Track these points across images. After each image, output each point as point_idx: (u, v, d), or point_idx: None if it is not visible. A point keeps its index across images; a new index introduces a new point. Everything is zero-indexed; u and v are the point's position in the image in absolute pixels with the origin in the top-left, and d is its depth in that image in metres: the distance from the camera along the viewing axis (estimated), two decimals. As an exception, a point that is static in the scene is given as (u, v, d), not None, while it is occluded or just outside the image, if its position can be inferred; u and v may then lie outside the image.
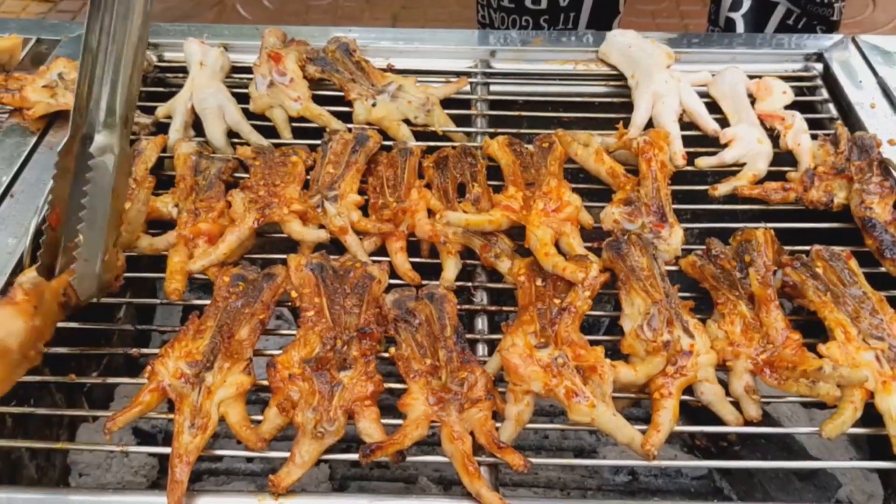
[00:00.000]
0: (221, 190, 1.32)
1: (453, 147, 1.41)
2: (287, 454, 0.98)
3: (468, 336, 1.13)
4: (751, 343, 1.09)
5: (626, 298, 1.14)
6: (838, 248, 1.21)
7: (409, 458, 1.02)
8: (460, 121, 1.51)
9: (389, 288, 1.19)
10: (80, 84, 1.08)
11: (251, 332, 1.11)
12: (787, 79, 1.57)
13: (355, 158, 1.35)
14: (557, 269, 1.15)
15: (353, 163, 1.34)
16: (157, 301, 1.32)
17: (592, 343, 1.08)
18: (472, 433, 1.00)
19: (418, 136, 1.47)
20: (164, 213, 1.28)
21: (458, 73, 1.61)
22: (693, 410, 1.08)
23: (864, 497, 1.33)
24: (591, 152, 1.37)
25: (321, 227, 1.28)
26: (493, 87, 1.61)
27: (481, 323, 1.19)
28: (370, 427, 1.00)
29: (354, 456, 0.98)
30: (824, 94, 1.59)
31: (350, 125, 1.46)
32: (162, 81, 1.62)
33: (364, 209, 1.30)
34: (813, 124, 1.47)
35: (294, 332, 1.12)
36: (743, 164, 1.40)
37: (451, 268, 1.24)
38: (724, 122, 1.48)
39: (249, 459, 1.43)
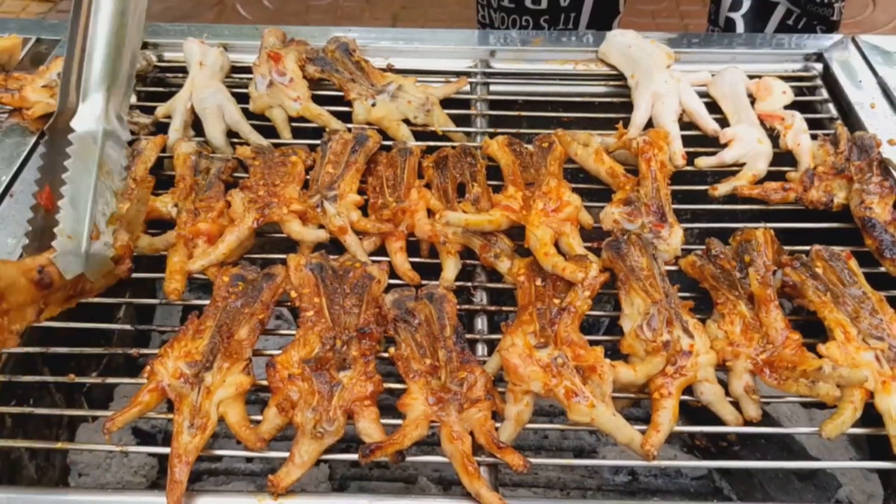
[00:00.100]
0: (221, 190, 1.31)
1: (453, 147, 1.41)
2: (286, 454, 0.98)
3: (468, 336, 1.13)
4: (750, 343, 1.09)
5: (625, 298, 1.14)
6: (838, 248, 1.21)
7: (409, 458, 1.02)
8: (460, 121, 1.51)
9: (389, 288, 1.19)
10: (67, 60, 1.08)
11: (251, 332, 1.11)
12: (786, 79, 1.57)
13: (355, 158, 1.34)
14: (557, 269, 1.15)
15: (352, 163, 1.34)
16: (157, 301, 1.32)
17: (592, 343, 1.08)
18: (471, 433, 1.00)
19: (418, 135, 1.47)
20: (163, 212, 1.28)
21: (457, 73, 1.61)
22: (693, 410, 1.08)
23: (863, 497, 1.33)
24: (591, 152, 1.37)
25: (321, 226, 1.28)
26: (492, 87, 1.61)
27: (481, 323, 1.19)
28: (370, 427, 1.00)
29: (354, 456, 0.98)
30: (824, 94, 1.59)
31: (350, 125, 1.46)
32: (162, 81, 1.61)
33: (364, 209, 1.30)
34: (813, 124, 1.47)
35: (293, 332, 1.12)
36: (743, 164, 1.40)
37: (450, 268, 1.23)
38: (723, 122, 1.48)
39: (249, 459, 1.43)
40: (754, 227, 1.23)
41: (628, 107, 1.52)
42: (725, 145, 1.42)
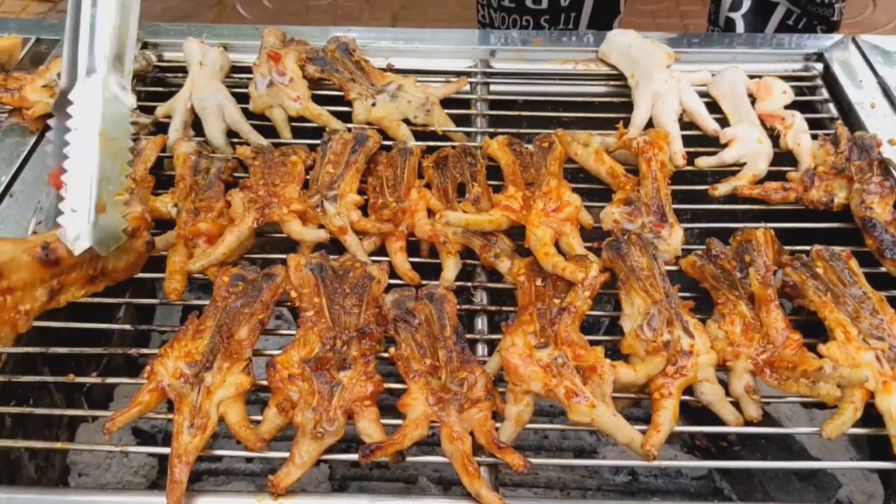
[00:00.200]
0: (221, 190, 1.31)
1: (453, 147, 1.41)
2: (287, 454, 0.98)
3: (468, 336, 1.13)
4: (751, 343, 1.09)
5: (625, 298, 1.14)
6: (838, 248, 1.21)
7: (409, 459, 1.02)
8: (460, 120, 1.51)
9: (389, 288, 1.18)
10: (68, 36, 1.07)
11: (250, 332, 1.10)
12: (787, 79, 1.57)
13: (355, 158, 1.34)
14: (557, 269, 1.15)
15: (352, 162, 1.34)
16: (157, 301, 1.32)
17: (592, 343, 1.08)
18: (471, 433, 1.00)
19: (418, 135, 1.47)
20: (163, 212, 1.28)
21: (457, 73, 1.61)
22: (693, 410, 1.08)
23: (864, 497, 1.33)
24: (591, 152, 1.37)
25: (321, 226, 1.27)
26: (492, 87, 1.61)
27: (481, 323, 1.19)
28: (370, 427, 1.00)
29: (354, 456, 0.97)
30: (824, 93, 1.59)
31: (350, 125, 1.46)
32: (161, 81, 1.61)
33: (364, 209, 1.30)
34: (813, 124, 1.47)
35: (294, 332, 1.12)
36: (743, 164, 1.40)
37: (450, 268, 1.23)
38: (724, 122, 1.48)
39: (249, 459, 1.43)
40: (755, 227, 1.23)
41: (628, 107, 1.52)
42: (726, 145, 1.42)
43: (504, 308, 1.21)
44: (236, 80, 1.56)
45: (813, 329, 1.14)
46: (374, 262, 1.22)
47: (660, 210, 1.26)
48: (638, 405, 1.30)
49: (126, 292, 1.35)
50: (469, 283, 1.24)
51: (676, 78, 1.52)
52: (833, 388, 1.02)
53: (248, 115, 1.48)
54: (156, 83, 1.61)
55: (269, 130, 1.46)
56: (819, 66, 1.65)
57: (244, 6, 3.86)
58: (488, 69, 1.65)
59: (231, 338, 1.08)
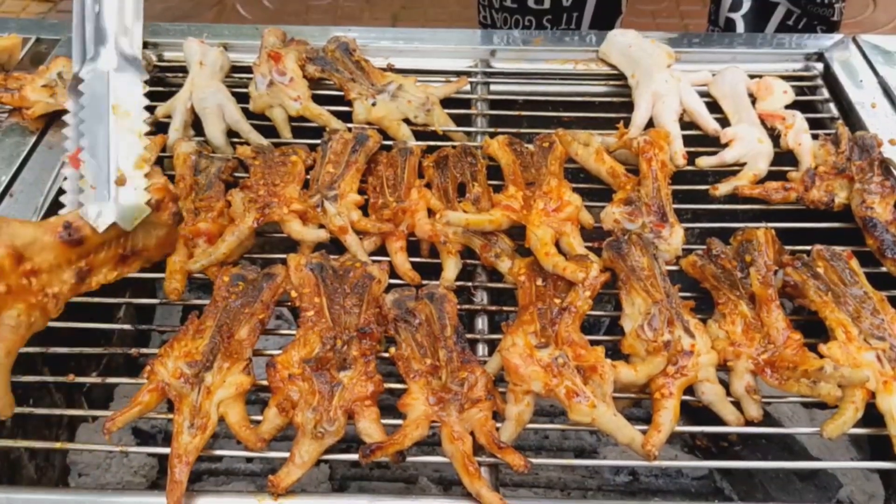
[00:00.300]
0: (221, 189, 1.31)
1: (453, 147, 1.41)
2: (287, 454, 0.98)
3: (468, 336, 1.12)
4: (752, 343, 1.09)
5: (626, 298, 1.14)
6: (839, 247, 1.21)
7: (409, 459, 1.02)
8: (460, 120, 1.51)
9: (389, 288, 1.18)
10: (76, 18, 1.07)
11: (251, 331, 1.10)
12: (787, 78, 1.57)
13: (355, 158, 1.34)
14: (558, 268, 1.15)
15: (352, 162, 1.34)
16: (157, 301, 1.32)
17: (593, 343, 1.08)
18: (472, 433, 1.00)
19: (418, 135, 1.47)
20: (163, 212, 1.28)
21: (458, 73, 1.61)
22: (694, 410, 1.08)
23: (864, 497, 1.33)
24: (592, 152, 1.37)
25: (321, 226, 1.27)
26: (493, 87, 1.61)
27: (481, 323, 1.19)
28: (370, 427, 1.00)
29: (354, 456, 0.97)
30: (825, 93, 1.58)
31: (350, 125, 1.46)
32: (162, 81, 1.61)
33: (364, 209, 1.30)
34: (814, 124, 1.47)
35: (294, 332, 1.11)
36: (743, 164, 1.40)
37: (451, 268, 1.23)
38: (724, 122, 1.48)
39: (249, 460, 1.43)
40: (755, 226, 1.22)
41: (629, 106, 1.52)
42: (726, 145, 1.42)
43: (504, 308, 1.21)
44: (236, 79, 1.56)
45: (814, 329, 1.14)
46: (374, 261, 1.22)
47: (660, 210, 1.26)
48: (638, 405, 1.30)
49: (126, 292, 1.35)
50: (469, 283, 1.24)
51: (677, 78, 1.52)
52: (834, 388, 1.02)
53: (249, 114, 1.48)
54: (156, 83, 1.60)
55: (269, 130, 1.46)
56: (819, 66, 1.65)
57: (244, 6, 3.86)
58: (488, 69, 1.65)
59: (231, 338, 1.08)
